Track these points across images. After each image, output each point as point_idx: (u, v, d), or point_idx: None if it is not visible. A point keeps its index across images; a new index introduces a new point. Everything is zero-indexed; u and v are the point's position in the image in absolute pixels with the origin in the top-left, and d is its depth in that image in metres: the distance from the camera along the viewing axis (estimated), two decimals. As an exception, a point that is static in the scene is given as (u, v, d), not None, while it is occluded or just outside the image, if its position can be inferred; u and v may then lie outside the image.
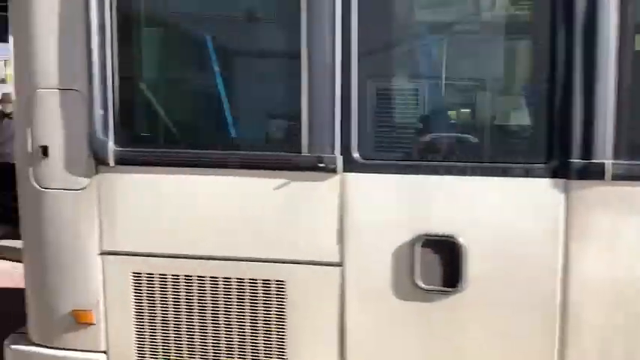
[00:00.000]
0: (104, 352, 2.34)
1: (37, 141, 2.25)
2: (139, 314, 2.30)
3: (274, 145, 2.27)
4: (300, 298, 2.18)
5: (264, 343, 2.24)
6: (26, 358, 2.41)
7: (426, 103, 2.31)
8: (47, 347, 2.37)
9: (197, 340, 2.29)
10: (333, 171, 2.10)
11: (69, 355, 2.35)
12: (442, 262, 2.08)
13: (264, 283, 2.21)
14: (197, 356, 2.29)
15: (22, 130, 2.31)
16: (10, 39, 2.31)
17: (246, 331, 2.25)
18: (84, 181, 2.25)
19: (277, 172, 2.13)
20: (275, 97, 2.32)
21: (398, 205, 2.10)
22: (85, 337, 2.33)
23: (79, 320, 2.32)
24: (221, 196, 2.18)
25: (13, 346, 2.43)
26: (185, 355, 2.30)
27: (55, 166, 2.26)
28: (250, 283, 2.22)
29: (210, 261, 2.23)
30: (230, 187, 2.17)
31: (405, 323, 2.13)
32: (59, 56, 2.22)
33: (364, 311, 2.16)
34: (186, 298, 2.27)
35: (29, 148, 2.26)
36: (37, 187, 2.28)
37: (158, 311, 2.30)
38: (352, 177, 2.11)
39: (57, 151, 2.24)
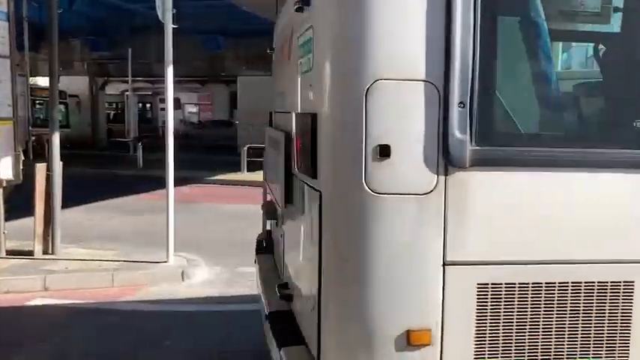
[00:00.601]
0: (433, 376, 2.08)
1: (373, 140, 1.96)
2: (481, 330, 2.06)
3: None
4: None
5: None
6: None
7: None
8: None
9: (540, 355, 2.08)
10: None
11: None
12: None
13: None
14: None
15: (340, 126, 2.02)
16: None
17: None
18: (430, 184, 1.98)
19: None
20: None
21: None
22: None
23: (412, 342, 2.03)
24: (608, 198, 1.99)
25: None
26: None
27: (396, 168, 1.97)
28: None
29: (571, 265, 2.04)
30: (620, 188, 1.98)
31: None
32: (409, 43, 1.93)
33: None
34: (537, 308, 2.05)
35: (361, 148, 1.96)
36: (370, 191, 1.98)
37: (501, 325, 2.07)
38: None
39: (399, 151, 1.96)
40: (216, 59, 28.70)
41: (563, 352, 2.08)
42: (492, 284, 2.03)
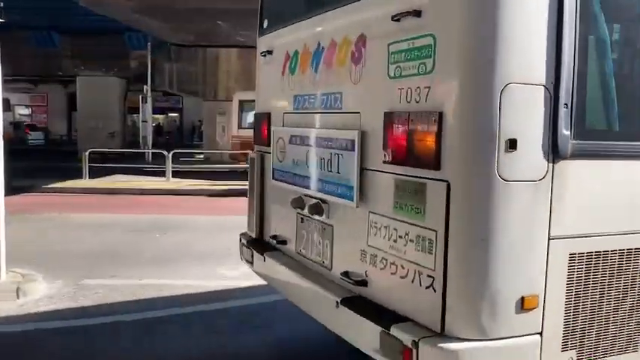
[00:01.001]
0: (539, 334, 2.46)
1: (504, 134, 2.29)
2: (570, 294, 2.49)
3: None
4: None
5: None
6: (454, 357, 2.38)
7: None
8: (483, 340, 2.39)
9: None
10: None
11: (508, 344, 2.40)
12: None
13: None
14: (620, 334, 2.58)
15: (475, 122, 2.32)
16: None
17: None
18: (541, 172, 2.37)
19: None
20: None
21: None
22: (526, 321, 2.41)
23: (525, 306, 2.40)
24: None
25: (442, 345, 2.38)
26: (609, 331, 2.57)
27: (519, 159, 2.32)
28: None
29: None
30: None
31: None
32: (531, 54, 2.30)
33: None
34: (614, 271, 2.56)
35: (495, 142, 2.28)
36: (500, 179, 2.31)
37: (589, 289, 2.53)
38: None
39: (524, 144, 2.32)
40: (52, 57, 26.47)
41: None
42: (580, 253, 2.49)
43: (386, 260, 2.78)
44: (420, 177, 2.52)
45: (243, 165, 19.95)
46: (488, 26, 2.29)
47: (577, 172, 2.44)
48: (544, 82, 2.33)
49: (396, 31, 2.64)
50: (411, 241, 2.59)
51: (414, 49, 2.53)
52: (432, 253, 2.47)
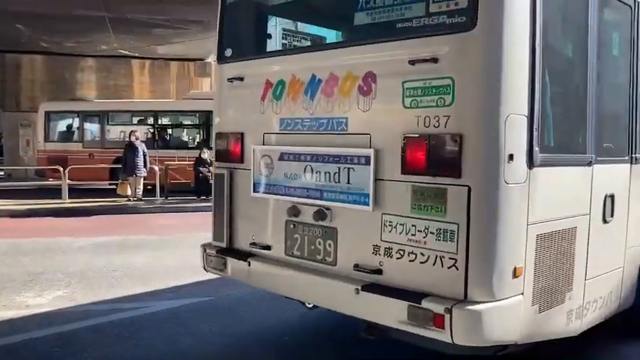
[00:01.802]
0: (522, 294, 3.40)
1: (507, 150, 3.21)
2: (536, 264, 3.49)
3: None
4: None
5: None
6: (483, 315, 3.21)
7: None
8: (493, 301, 3.26)
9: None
10: None
11: (507, 303, 3.30)
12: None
13: None
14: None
15: (489, 142, 3.19)
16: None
17: None
18: (525, 177, 3.33)
19: None
20: None
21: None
22: (515, 286, 3.35)
23: (516, 274, 3.34)
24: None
25: (470, 308, 3.18)
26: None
27: (514, 168, 3.26)
28: None
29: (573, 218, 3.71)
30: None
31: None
32: (519, 93, 3.26)
33: None
34: (562, 247, 3.63)
35: (503, 156, 3.19)
36: (505, 183, 3.22)
37: (551, 261, 3.56)
38: None
39: (517, 157, 3.25)
40: None
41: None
42: (541, 234, 3.50)
43: (403, 251, 3.51)
44: (441, 184, 3.32)
45: (52, 182, 18.68)
46: (495, 74, 3.20)
47: (542, 176, 3.46)
48: (526, 114, 3.31)
49: (411, 71, 3.41)
50: (432, 233, 3.38)
51: (432, 87, 3.33)
52: (453, 241, 3.29)
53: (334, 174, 3.84)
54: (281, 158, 4.17)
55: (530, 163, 3.36)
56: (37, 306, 6.12)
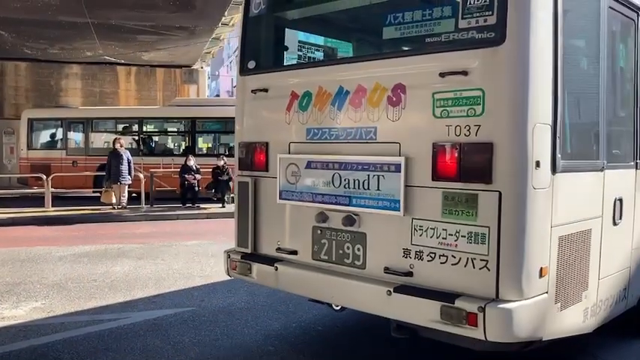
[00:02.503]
0: (546, 293, 3.61)
1: (534, 157, 3.42)
2: (558, 265, 3.69)
3: None
4: None
5: None
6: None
7: None
8: (522, 300, 3.44)
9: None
10: None
11: (535, 301, 3.49)
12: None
13: None
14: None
15: (518, 150, 3.40)
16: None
17: None
18: (549, 182, 3.54)
19: None
20: None
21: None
22: (541, 284, 3.56)
23: (542, 274, 3.54)
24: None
25: (502, 306, 3.36)
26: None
27: (541, 174, 3.47)
28: None
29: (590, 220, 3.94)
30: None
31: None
32: (544, 103, 3.47)
33: None
34: (580, 248, 3.85)
35: (531, 162, 3.39)
36: (533, 188, 3.43)
37: (570, 261, 3.78)
38: None
39: (543, 164, 3.46)
40: None
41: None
42: (562, 236, 3.72)
43: (434, 254, 3.69)
44: (473, 189, 3.51)
45: (35, 190, 18.43)
46: (523, 86, 3.41)
47: (563, 181, 3.68)
48: (550, 122, 3.53)
49: (441, 83, 3.60)
50: (463, 236, 3.56)
51: (462, 98, 3.53)
52: (485, 244, 3.48)
53: (363, 181, 4.00)
54: (308, 166, 4.32)
55: (554, 169, 3.58)
56: (12, 317, 5.96)
